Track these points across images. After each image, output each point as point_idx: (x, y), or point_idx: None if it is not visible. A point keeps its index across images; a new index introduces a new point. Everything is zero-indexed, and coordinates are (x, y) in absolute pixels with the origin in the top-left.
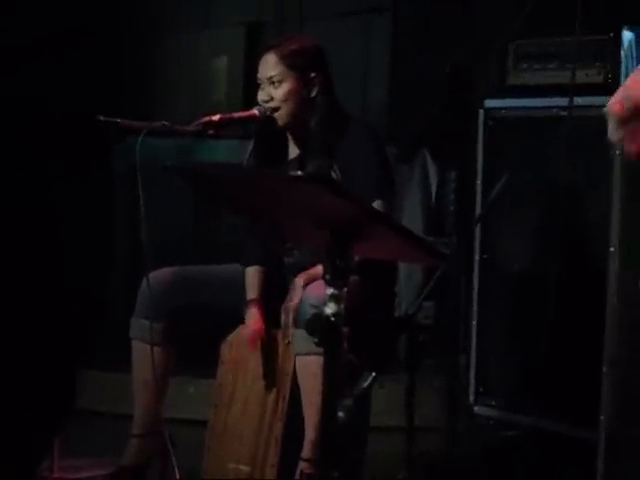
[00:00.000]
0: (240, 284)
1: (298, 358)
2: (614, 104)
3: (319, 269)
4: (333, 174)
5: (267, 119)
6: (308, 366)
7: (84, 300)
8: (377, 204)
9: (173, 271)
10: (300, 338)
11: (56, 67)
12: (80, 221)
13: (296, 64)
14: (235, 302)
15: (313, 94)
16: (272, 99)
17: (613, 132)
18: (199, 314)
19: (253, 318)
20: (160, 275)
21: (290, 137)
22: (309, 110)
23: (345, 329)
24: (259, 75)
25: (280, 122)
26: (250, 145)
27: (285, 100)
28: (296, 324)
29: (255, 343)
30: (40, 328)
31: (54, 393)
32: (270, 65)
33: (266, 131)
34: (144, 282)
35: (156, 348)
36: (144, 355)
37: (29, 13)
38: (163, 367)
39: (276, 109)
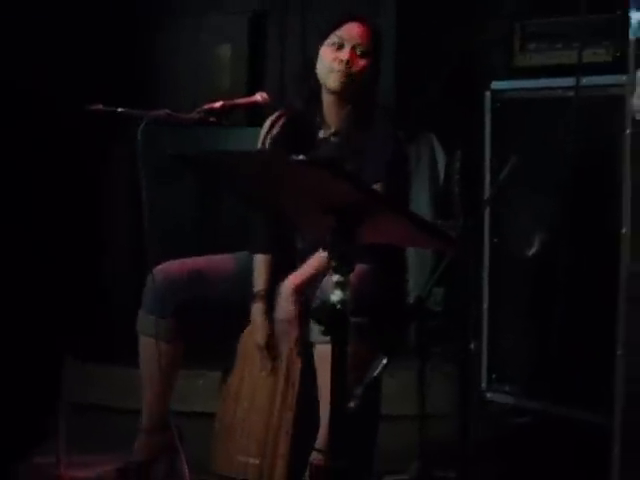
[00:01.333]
0: (247, 273)
1: (316, 347)
2: None
3: (310, 264)
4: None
5: (269, 107)
6: (326, 355)
7: (79, 292)
8: (378, 186)
9: (178, 264)
10: (317, 327)
11: (54, 57)
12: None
13: (377, 47)
14: (244, 293)
15: (375, 79)
16: (353, 65)
17: None
18: (206, 307)
19: (260, 318)
20: (165, 268)
21: (332, 111)
22: (363, 93)
23: (358, 319)
24: (344, 37)
25: (341, 88)
26: (262, 133)
27: (363, 73)
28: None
29: (266, 348)
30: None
31: (40, 383)
32: (364, 35)
33: (294, 128)
34: (149, 277)
35: (163, 343)
36: (151, 350)
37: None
38: (170, 362)
39: (351, 75)
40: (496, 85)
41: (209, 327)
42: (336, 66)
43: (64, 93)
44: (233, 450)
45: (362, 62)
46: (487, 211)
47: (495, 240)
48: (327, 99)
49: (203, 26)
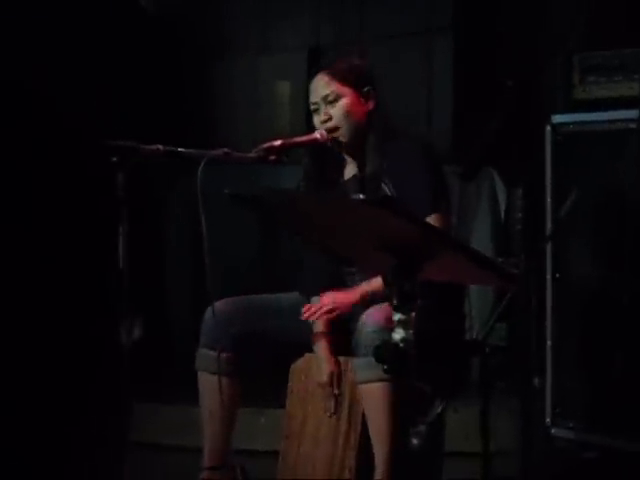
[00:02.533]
0: (301, 311)
1: (361, 387)
2: None
3: (370, 284)
4: (386, 188)
5: (331, 142)
6: (373, 393)
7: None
8: (432, 218)
9: (235, 300)
10: (361, 366)
11: (117, 92)
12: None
13: (350, 79)
14: (301, 330)
15: (370, 107)
16: (330, 118)
17: None
18: (265, 343)
19: (324, 355)
20: (222, 304)
21: (348, 156)
22: (367, 126)
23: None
24: (312, 99)
25: (342, 140)
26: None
27: (345, 117)
28: (356, 352)
29: (332, 385)
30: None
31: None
32: (322, 84)
33: (319, 153)
34: (207, 312)
35: (224, 378)
36: (210, 386)
37: (92, 37)
38: (230, 397)
39: (336, 128)
40: (557, 119)
41: (267, 363)
42: (325, 132)
43: (125, 132)
44: None
45: (339, 107)
46: (549, 246)
47: (557, 275)
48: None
49: (262, 63)
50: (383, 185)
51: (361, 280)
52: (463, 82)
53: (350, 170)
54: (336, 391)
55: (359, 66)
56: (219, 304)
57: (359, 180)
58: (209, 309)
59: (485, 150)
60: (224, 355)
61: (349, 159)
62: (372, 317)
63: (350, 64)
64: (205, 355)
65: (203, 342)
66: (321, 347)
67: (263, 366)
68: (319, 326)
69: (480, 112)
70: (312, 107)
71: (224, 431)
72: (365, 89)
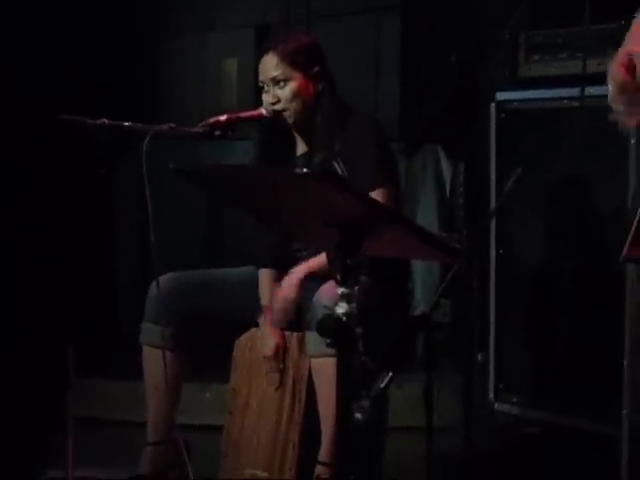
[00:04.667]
0: (253, 286)
1: (312, 360)
2: (618, 67)
3: (314, 260)
4: (337, 167)
5: (276, 118)
6: (323, 368)
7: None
8: (377, 193)
9: (179, 275)
10: (313, 340)
11: (61, 70)
12: (83, 228)
13: (299, 61)
14: (248, 305)
15: (320, 88)
16: (279, 100)
17: (614, 98)
18: (210, 317)
19: (270, 328)
20: (166, 279)
21: (297, 134)
22: (316, 106)
23: (359, 329)
24: (261, 78)
25: (289, 121)
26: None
27: (293, 99)
28: (309, 327)
29: (276, 359)
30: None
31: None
32: (272, 66)
33: (269, 130)
34: (152, 286)
35: (168, 352)
36: (155, 360)
37: (36, 14)
38: (175, 372)
39: (284, 110)
40: (501, 96)
41: (212, 338)
42: (272, 111)
43: (68, 107)
44: (241, 463)
45: (288, 90)
46: (492, 222)
47: (501, 251)
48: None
49: (208, 40)
50: (334, 162)
51: (309, 256)
52: (410, 60)
53: (301, 148)
54: (281, 365)
55: (308, 45)
56: (163, 279)
57: (309, 157)
58: (153, 283)
59: (429, 126)
60: (168, 330)
61: (299, 138)
62: (327, 292)
63: (299, 43)
64: (149, 329)
65: (147, 316)
66: (267, 320)
67: (208, 341)
68: (265, 299)
69: (425, 89)
70: (260, 84)
71: (168, 406)
72: (314, 70)
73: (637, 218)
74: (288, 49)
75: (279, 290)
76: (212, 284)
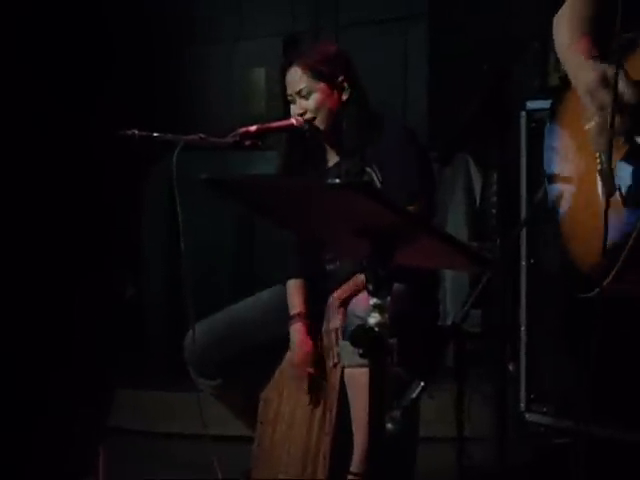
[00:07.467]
0: (285, 307)
1: (346, 371)
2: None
3: (354, 281)
4: (373, 175)
5: (308, 128)
6: (356, 379)
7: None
8: (417, 204)
9: (208, 327)
10: (347, 350)
11: (89, 80)
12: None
13: (322, 72)
14: (285, 327)
15: (345, 97)
16: (306, 111)
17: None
18: (251, 355)
19: (299, 337)
20: (202, 332)
21: (328, 145)
22: (343, 115)
23: (392, 340)
24: (288, 91)
25: (320, 128)
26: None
27: (318, 109)
28: (342, 337)
29: (305, 366)
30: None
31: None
32: (296, 78)
33: (299, 140)
34: (187, 339)
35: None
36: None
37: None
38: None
39: (312, 119)
40: (531, 105)
41: (260, 368)
42: (303, 120)
43: (97, 117)
44: (271, 474)
45: (312, 101)
46: (523, 232)
47: (532, 261)
48: None
49: (238, 49)
50: (369, 170)
51: (341, 262)
52: (439, 68)
53: (332, 159)
54: (310, 370)
55: (332, 55)
56: (199, 331)
57: (338, 166)
58: (188, 335)
59: (460, 135)
60: (214, 381)
61: (330, 149)
62: (360, 303)
63: (322, 54)
64: (203, 384)
65: (193, 371)
66: (296, 329)
67: (255, 374)
68: (294, 309)
69: (455, 97)
70: (288, 97)
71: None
72: (339, 79)
73: (625, 251)
74: (311, 60)
75: (328, 322)
76: (243, 323)
